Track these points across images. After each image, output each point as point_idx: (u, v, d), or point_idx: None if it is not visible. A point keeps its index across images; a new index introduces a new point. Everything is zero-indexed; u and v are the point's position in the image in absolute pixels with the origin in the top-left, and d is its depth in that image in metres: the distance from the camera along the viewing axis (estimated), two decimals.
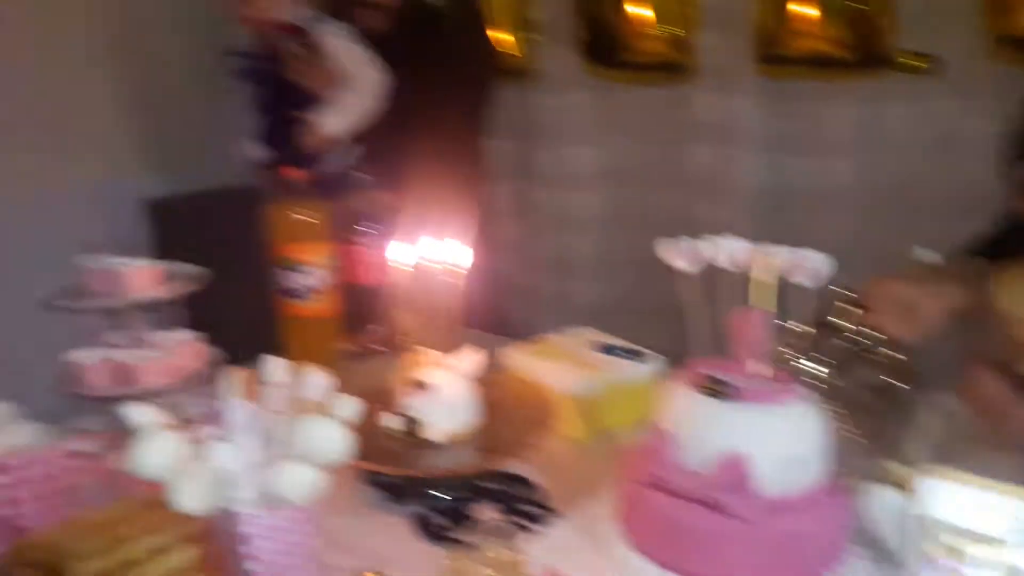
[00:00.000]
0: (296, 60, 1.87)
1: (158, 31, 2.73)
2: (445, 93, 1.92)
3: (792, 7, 1.75)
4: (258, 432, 0.85)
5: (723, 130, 1.94)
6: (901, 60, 1.72)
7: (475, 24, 2.12)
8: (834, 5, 1.71)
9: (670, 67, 1.97)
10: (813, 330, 1.04)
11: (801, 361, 1.02)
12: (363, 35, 1.92)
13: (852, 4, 1.71)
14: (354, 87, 1.86)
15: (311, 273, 1.50)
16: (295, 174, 1.85)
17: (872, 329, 1.09)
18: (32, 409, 1.15)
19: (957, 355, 1.15)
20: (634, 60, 1.97)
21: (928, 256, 1.15)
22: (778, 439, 0.88)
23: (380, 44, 1.91)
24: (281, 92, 1.91)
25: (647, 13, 1.95)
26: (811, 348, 1.03)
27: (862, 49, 1.72)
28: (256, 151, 2.02)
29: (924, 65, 1.71)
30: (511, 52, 2.28)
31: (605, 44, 1.97)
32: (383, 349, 1.53)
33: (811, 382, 1.01)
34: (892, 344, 1.04)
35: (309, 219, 1.50)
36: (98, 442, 1.22)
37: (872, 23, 1.70)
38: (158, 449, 0.80)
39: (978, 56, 1.65)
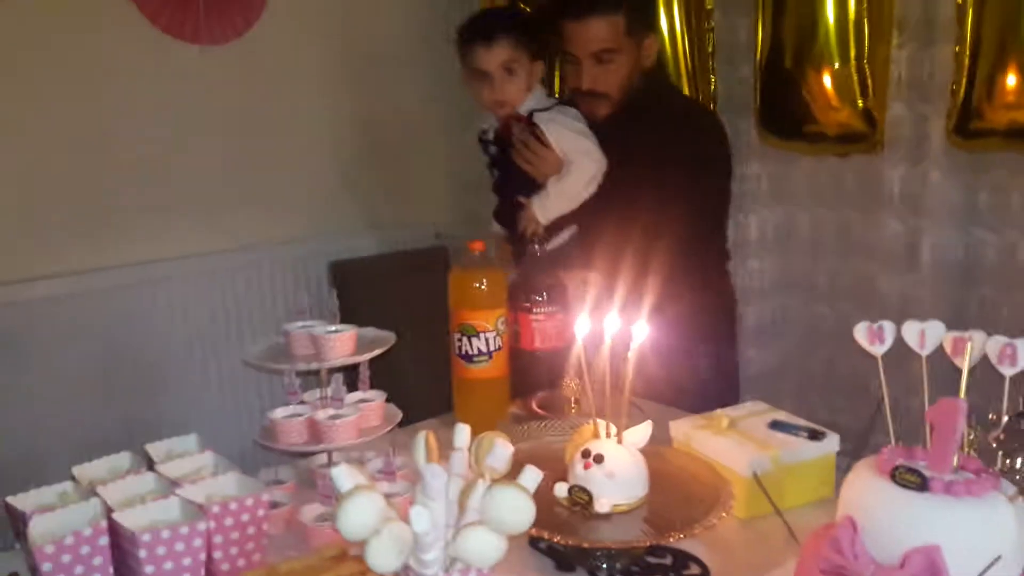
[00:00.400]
0: (522, 147, 1.89)
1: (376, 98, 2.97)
2: (674, 184, 1.80)
3: (991, 77, 1.70)
4: (449, 497, 0.90)
5: (913, 201, 1.88)
6: None
7: (704, 114, 2.06)
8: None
9: (855, 137, 1.94)
10: (1020, 421, 0.98)
11: (1002, 453, 0.96)
12: (588, 120, 1.91)
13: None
14: (570, 174, 1.86)
15: (485, 338, 1.57)
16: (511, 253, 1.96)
17: None
18: (233, 459, 1.26)
19: None
20: (816, 131, 1.96)
21: None
22: (974, 534, 0.84)
23: (604, 129, 1.89)
24: (510, 176, 1.95)
25: (827, 84, 1.93)
26: (1015, 440, 0.97)
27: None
28: (496, 227, 2.07)
29: None
30: None
31: (785, 115, 1.96)
32: (549, 415, 1.56)
33: (1011, 476, 0.95)
34: None
35: (486, 286, 1.57)
36: (290, 494, 1.32)
37: None
38: (359, 510, 0.86)
39: None
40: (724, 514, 1.10)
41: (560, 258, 1.84)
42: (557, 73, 2.34)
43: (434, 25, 2.98)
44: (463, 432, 0.97)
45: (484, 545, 0.86)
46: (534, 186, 1.90)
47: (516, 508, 0.85)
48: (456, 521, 0.91)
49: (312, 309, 1.40)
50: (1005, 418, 0.90)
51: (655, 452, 1.25)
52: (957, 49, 1.79)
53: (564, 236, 1.91)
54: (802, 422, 1.33)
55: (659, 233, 1.77)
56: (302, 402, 1.33)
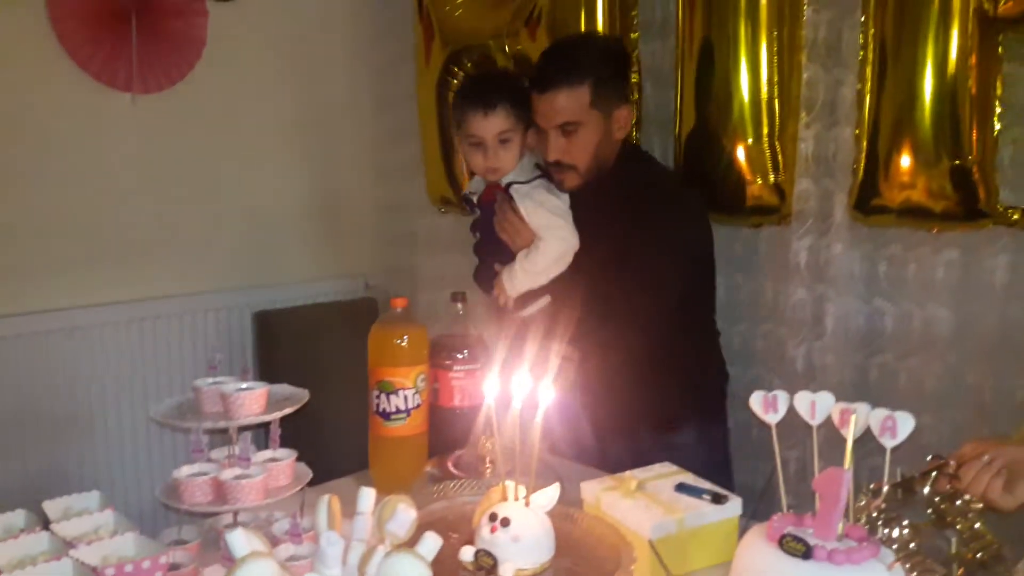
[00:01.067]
0: (502, 216, 1.87)
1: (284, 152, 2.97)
2: (648, 262, 1.77)
3: (887, 158, 1.82)
4: (349, 562, 0.89)
5: (818, 271, 1.98)
6: (1001, 212, 1.76)
7: (679, 188, 1.98)
8: (932, 158, 1.77)
9: (767, 209, 2.04)
10: (898, 491, 1.03)
11: (881, 522, 1.01)
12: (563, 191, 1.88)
13: (950, 160, 1.76)
14: (536, 250, 1.83)
15: (403, 396, 1.57)
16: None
17: (967, 493, 1.08)
18: (139, 518, 1.23)
19: None
20: (732, 202, 2.05)
21: None
22: None
23: (576, 201, 1.87)
24: (489, 240, 1.94)
25: (741, 158, 2.03)
26: (894, 510, 1.02)
27: (962, 201, 1.76)
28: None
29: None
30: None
31: (704, 187, 2.03)
32: (465, 474, 1.56)
33: (892, 544, 0.99)
34: (976, 512, 1.02)
35: (407, 343, 1.58)
36: (191, 555, 1.29)
37: (972, 176, 1.75)
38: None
39: None
40: None
41: (535, 326, 1.84)
42: None
43: (367, 81, 3.04)
44: (367, 496, 0.98)
45: None
46: (510, 254, 1.89)
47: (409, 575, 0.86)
48: None
49: (233, 361, 1.39)
50: (885, 488, 0.95)
51: (565, 514, 1.26)
52: (857, 132, 1.91)
53: (537, 305, 1.89)
54: (707, 485, 1.36)
55: (634, 310, 1.76)
56: (209, 460, 1.31)
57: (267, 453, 1.35)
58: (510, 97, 1.85)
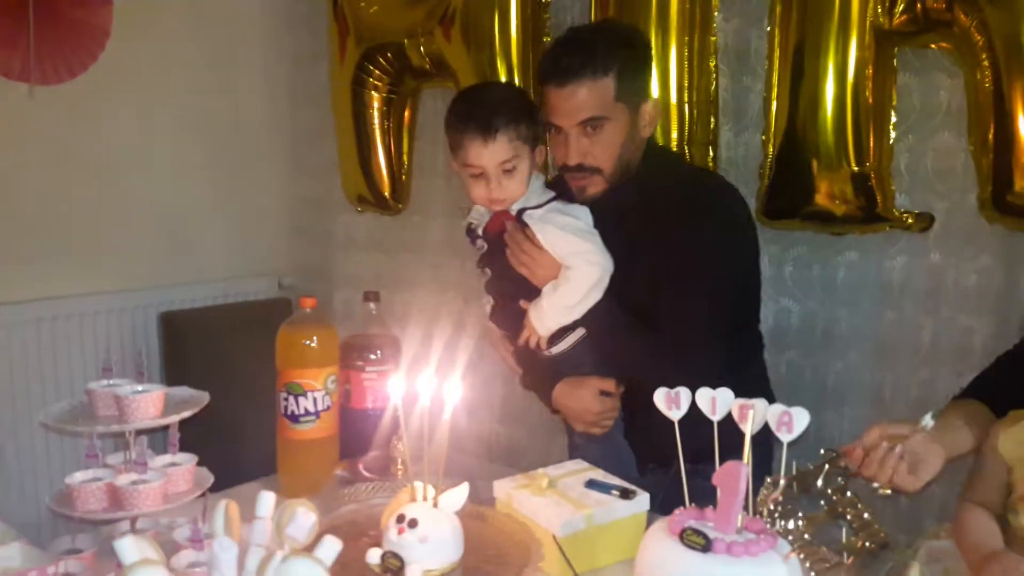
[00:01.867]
0: (516, 248, 1.62)
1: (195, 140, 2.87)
2: (693, 273, 1.55)
3: (796, 163, 1.89)
4: (241, 567, 0.87)
5: None
6: (897, 216, 1.83)
7: (720, 187, 1.68)
8: (834, 164, 1.84)
9: None
10: (794, 484, 1.06)
11: (778, 515, 1.04)
12: (584, 202, 1.64)
13: (852, 167, 1.83)
14: (568, 281, 1.59)
15: (313, 397, 1.54)
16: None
17: (870, 479, 1.12)
18: (27, 524, 1.18)
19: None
20: None
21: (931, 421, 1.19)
22: None
23: (601, 211, 1.64)
24: (503, 276, 1.68)
25: None
26: (790, 502, 1.05)
27: (862, 206, 1.84)
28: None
29: (920, 223, 1.82)
30: None
31: None
32: (376, 477, 1.54)
33: (789, 536, 1.02)
34: (865, 505, 1.07)
35: (316, 344, 1.55)
36: (85, 565, 1.24)
37: (870, 182, 1.83)
38: None
39: (971, 216, 1.76)
40: (535, 573, 1.12)
41: (570, 362, 1.65)
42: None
43: (282, 76, 2.98)
44: (266, 500, 0.95)
45: None
46: (528, 288, 1.64)
47: None
48: None
49: (137, 364, 1.33)
50: (782, 481, 0.98)
51: (475, 513, 1.26)
52: (764, 137, 1.97)
53: (571, 340, 1.65)
54: (616, 481, 1.37)
55: (678, 334, 1.53)
56: (104, 466, 1.26)
57: (166, 458, 1.31)
58: (513, 117, 1.58)
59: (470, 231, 1.72)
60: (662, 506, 1.28)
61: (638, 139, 1.62)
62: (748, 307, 1.70)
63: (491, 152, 1.57)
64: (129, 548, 0.84)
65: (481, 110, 1.60)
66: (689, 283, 1.55)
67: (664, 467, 1.52)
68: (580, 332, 1.63)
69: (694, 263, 1.54)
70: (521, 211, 1.62)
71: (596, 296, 1.60)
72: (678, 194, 1.60)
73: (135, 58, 2.64)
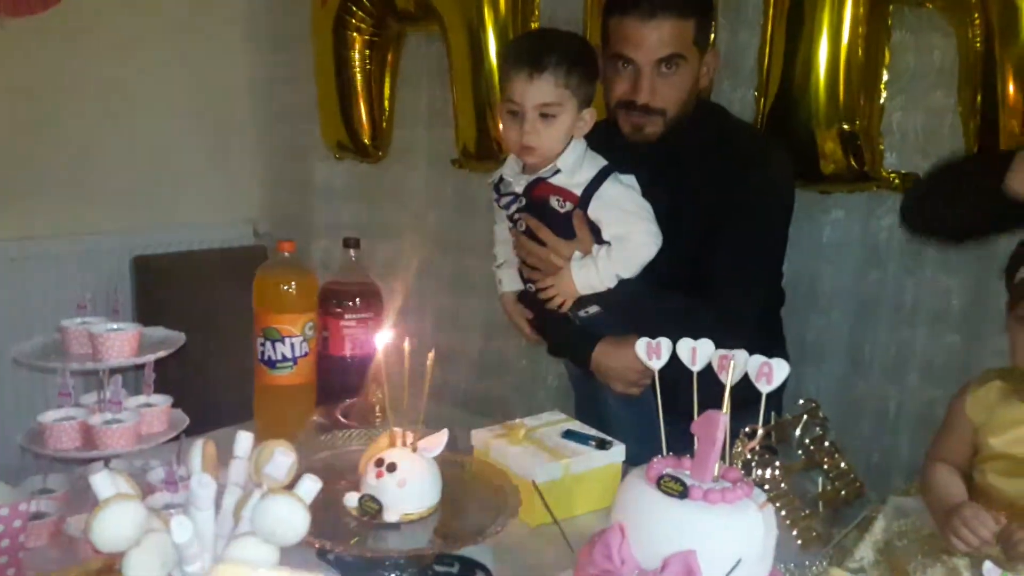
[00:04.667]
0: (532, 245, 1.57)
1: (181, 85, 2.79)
2: (750, 229, 1.55)
3: (786, 120, 1.87)
4: (219, 507, 0.86)
5: None
6: (885, 176, 1.83)
7: (771, 144, 1.72)
8: (823, 122, 1.82)
9: None
10: (772, 434, 1.07)
11: (755, 464, 1.04)
12: (631, 146, 1.60)
13: (842, 125, 1.82)
14: (624, 250, 1.53)
15: (290, 343, 1.52)
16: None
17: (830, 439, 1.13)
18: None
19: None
20: None
21: None
22: (726, 539, 0.90)
23: (652, 161, 1.58)
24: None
25: None
26: (768, 452, 1.06)
27: (849, 165, 1.83)
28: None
29: (907, 183, 1.82)
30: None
31: None
32: (354, 424, 1.53)
33: (765, 484, 1.03)
34: (842, 454, 1.08)
35: (294, 289, 1.53)
36: (58, 504, 1.22)
37: (859, 141, 1.82)
38: (116, 520, 0.80)
39: None
40: (515, 520, 1.12)
41: (603, 323, 1.61)
42: None
43: (261, 17, 2.90)
44: (243, 440, 0.94)
45: (252, 556, 0.83)
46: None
47: (287, 518, 0.83)
48: (230, 533, 0.88)
49: (111, 302, 1.29)
50: (760, 431, 0.98)
51: (453, 460, 1.26)
52: (756, 93, 1.95)
53: (590, 311, 1.61)
54: (593, 432, 1.38)
55: (729, 287, 1.54)
56: (77, 405, 1.24)
57: (141, 398, 1.29)
58: (567, 61, 1.49)
59: (498, 186, 1.62)
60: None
61: (696, 88, 1.60)
62: (781, 261, 1.70)
63: (535, 89, 1.48)
64: (104, 482, 0.83)
65: (537, 44, 1.56)
66: (744, 234, 1.54)
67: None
68: (595, 308, 1.60)
69: (749, 215, 1.53)
70: (586, 195, 1.53)
71: (640, 265, 1.55)
72: (731, 147, 1.59)
73: None
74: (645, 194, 1.56)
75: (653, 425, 1.06)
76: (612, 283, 1.55)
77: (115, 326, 1.23)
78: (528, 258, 1.60)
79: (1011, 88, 1.63)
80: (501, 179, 1.61)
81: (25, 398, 2.41)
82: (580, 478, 1.30)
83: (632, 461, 1.31)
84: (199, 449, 0.93)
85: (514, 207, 1.59)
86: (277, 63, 2.98)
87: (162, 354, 1.25)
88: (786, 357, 0.94)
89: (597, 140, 1.58)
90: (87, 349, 1.21)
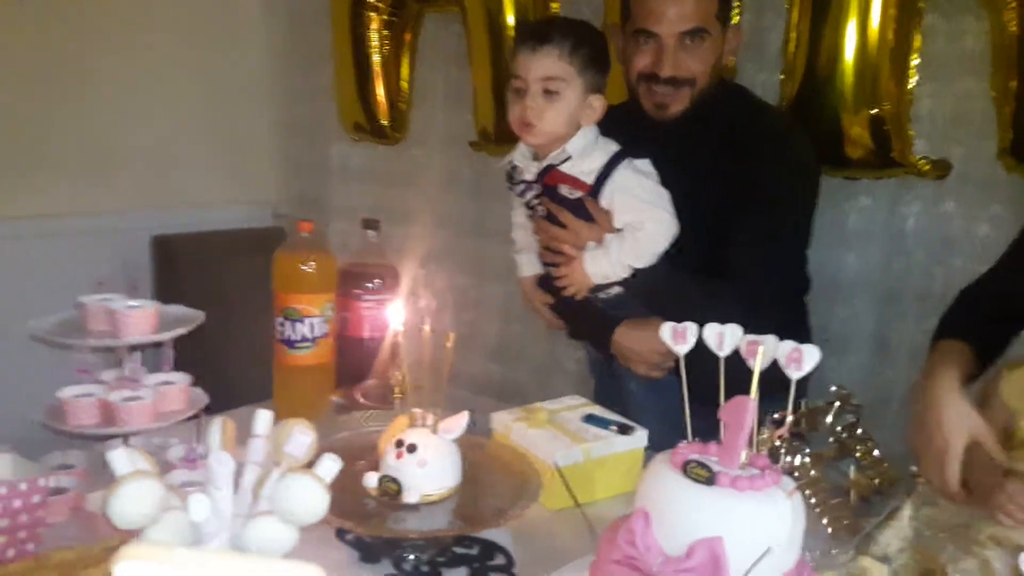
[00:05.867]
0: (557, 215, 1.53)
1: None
2: (779, 213, 1.53)
3: (812, 104, 1.84)
4: (237, 485, 0.85)
5: None
6: (913, 162, 1.79)
7: (794, 123, 1.71)
8: (851, 106, 1.79)
9: None
10: (802, 421, 1.04)
11: (784, 451, 1.02)
12: (652, 121, 1.57)
13: (870, 110, 1.78)
14: (638, 241, 1.50)
15: (310, 324, 1.51)
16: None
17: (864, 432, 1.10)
18: (16, 441, 1.15)
19: None
20: None
21: None
22: (753, 527, 0.88)
23: (674, 138, 1.57)
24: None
25: None
26: (797, 439, 1.04)
27: (877, 150, 1.79)
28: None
29: (936, 170, 1.78)
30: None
31: None
32: (374, 405, 1.53)
33: (794, 472, 1.01)
34: (875, 442, 1.05)
35: (313, 269, 1.52)
36: (77, 480, 1.22)
37: (886, 126, 1.78)
38: (134, 497, 0.80)
39: (988, 164, 1.72)
40: (535, 503, 1.11)
41: (623, 305, 1.58)
42: None
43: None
44: (263, 419, 0.93)
45: (271, 536, 0.82)
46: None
47: (307, 498, 0.82)
48: (249, 511, 0.87)
49: (130, 279, 1.29)
50: (789, 418, 0.96)
51: (474, 443, 1.25)
52: (782, 77, 1.91)
53: (611, 292, 1.58)
54: (614, 417, 1.36)
55: (751, 268, 1.51)
56: (97, 382, 1.23)
57: (160, 376, 1.28)
58: (572, 37, 1.46)
59: (511, 174, 1.59)
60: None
61: (719, 64, 1.58)
62: (806, 248, 1.66)
63: (537, 60, 1.45)
64: (122, 459, 0.82)
65: (544, 21, 1.57)
66: (767, 216, 1.51)
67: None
68: (619, 289, 1.57)
69: (773, 196, 1.51)
70: (598, 180, 1.49)
71: (658, 252, 1.51)
72: (755, 127, 1.57)
73: None
74: (666, 174, 1.53)
75: (676, 410, 1.05)
76: (625, 273, 1.52)
77: (134, 303, 1.22)
78: (550, 243, 1.58)
79: None
80: (514, 167, 1.59)
81: (44, 375, 2.40)
82: (601, 463, 1.29)
83: (654, 447, 1.30)
84: (218, 427, 0.92)
85: (530, 194, 1.57)
86: (295, 44, 2.96)
87: (181, 331, 1.24)
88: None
89: (618, 120, 1.56)
90: (106, 326, 1.21)
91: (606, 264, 1.52)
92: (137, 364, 1.22)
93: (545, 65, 1.46)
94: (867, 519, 1.03)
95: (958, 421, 1.10)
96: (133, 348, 1.23)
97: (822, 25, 1.79)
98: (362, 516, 1.08)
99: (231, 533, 0.84)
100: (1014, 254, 1.32)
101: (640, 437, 1.33)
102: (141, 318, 1.20)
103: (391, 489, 1.10)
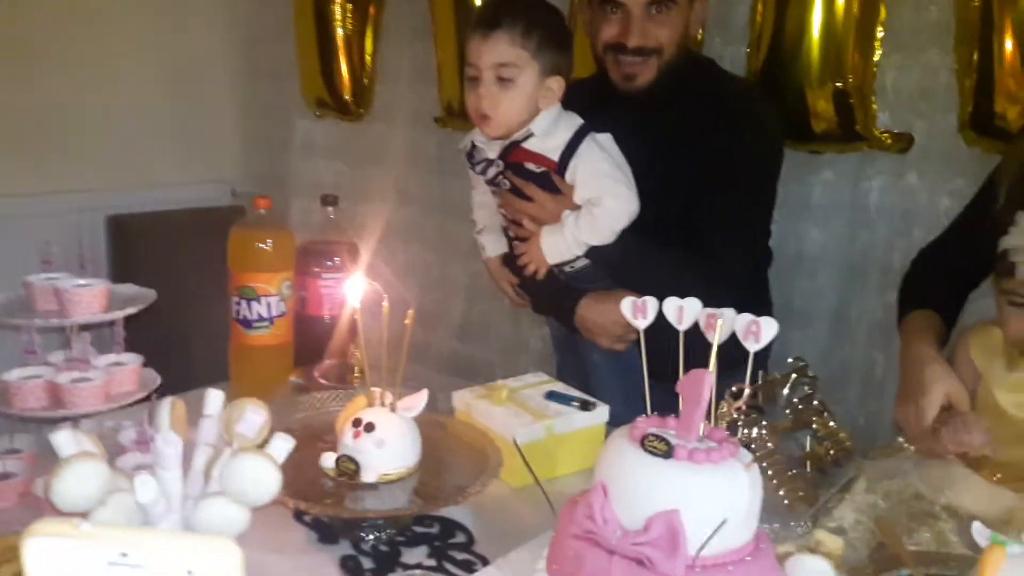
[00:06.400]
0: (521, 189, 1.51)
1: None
2: (744, 184, 1.53)
3: (777, 77, 1.84)
4: (186, 466, 0.83)
5: None
6: (876, 136, 1.80)
7: (760, 97, 1.72)
8: (816, 80, 1.79)
9: None
10: (759, 394, 1.04)
11: (741, 423, 1.02)
12: (621, 93, 1.57)
13: (835, 83, 1.79)
14: (596, 219, 1.47)
15: (267, 303, 1.48)
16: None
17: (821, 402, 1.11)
18: None
19: None
20: None
21: None
22: (710, 499, 0.87)
23: (641, 111, 1.56)
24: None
25: None
26: (755, 411, 1.03)
27: (841, 123, 1.79)
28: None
29: (899, 144, 1.79)
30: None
31: None
32: (332, 384, 1.50)
33: (752, 444, 1.01)
34: (831, 413, 1.06)
35: (270, 247, 1.49)
36: (25, 464, 1.19)
37: (852, 100, 1.78)
38: (77, 479, 0.77)
39: (950, 138, 1.73)
40: (496, 480, 1.10)
41: (586, 278, 1.57)
42: None
43: None
44: (214, 398, 0.91)
45: (222, 517, 0.80)
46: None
47: (258, 477, 0.80)
48: (201, 493, 0.85)
49: (79, 258, 1.25)
50: (747, 391, 0.96)
51: (434, 421, 1.23)
52: (748, 50, 1.91)
53: (581, 261, 1.54)
54: (576, 393, 1.36)
55: (716, 240, 1.51)
56: (45, 364, 1.20)
57: (111, 357, 1.25)
58: (524, 20, 1.42)
59: (471, 154, 1.56)
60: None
61: (686, 35, 1.57)
62: (769, 220, 1.67)
63: (488, 47, 1.42)
64: (66, 442, 0.79)
65: (496, 4, 1.51)
66: (733, 188, 1.51)
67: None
68: (585, 260, 1.54)
69: (739, 167, 1.50)
70: (562, 159, 1.47)
71: (617, 229, 1.49)
72: (720, 99, 1.56)
73: None
74: (634, 145, 1.52)
75: (638, 385, 1.05)
76: (580, 251, 1.50)
77: (83, 282, 1.19)
78: (516, 215, 1.56)
79: (1009, 47, 1.60)
80: (474, 146, 1.55)
81: None
82: (563, 439, 1.28)
83: (617, 422, 1.29)
84: (167, 408, 0.90)
85: (492, 171, 1.54)
86: (257, 19, 2.90)
87: (132, 311, 1.21)
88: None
89: (586, 93, 1.54)
90: (54, 305, 1.17)
91: (560, 240, 1.50)
92: (86, 344, 1.18)
93: (497, 51, 1.42)
94: (823, 491, 1.04)
95: (940, 378, 1.16)
96: (82, 328, 1.19)
97: None
98: (320, 497, 1.07)
99: (182, 515, 0.82)
100: (963, 221, 1.35)
101: (602, 413, 1.32)
102: (90, 297, 1.17)
103: (349, 469, 1.08)
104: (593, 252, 1.52)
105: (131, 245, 2.46)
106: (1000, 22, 1.60)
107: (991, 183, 1.30)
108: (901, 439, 1.16)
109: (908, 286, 1.42)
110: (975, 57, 1.65)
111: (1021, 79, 1.59)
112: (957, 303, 1.35)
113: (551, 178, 1.50)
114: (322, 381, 1.52)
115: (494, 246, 1.70)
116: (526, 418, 1.28)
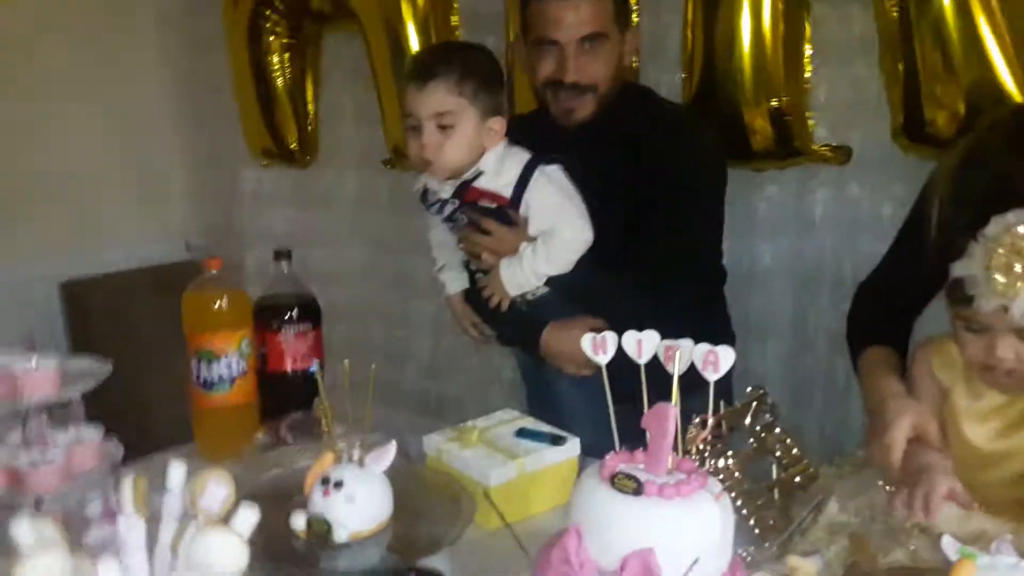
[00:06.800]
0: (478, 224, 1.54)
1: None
2: (688, 207, 1.57)
3: (713, 99, 1.89)
4: (150, 546, 0.81)
5: None
6: (815, 150, 1.84)
7: (698, 120, 1.80)
8: (751, 99, 1.83)
9: None
10: (723, 423, 1.05)
11: (708, 454, 1.03)
12: (562, 127, 1.62)
13: (769, 102, 1.83)
14: (550, 248, 1.51)
15: (227, 362, 1.47)
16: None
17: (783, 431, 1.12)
18: None
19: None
20: None
21: None
22: (683, 534, 0.88)
23: (583, 143, 1.60)
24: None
25: None
26: (721, 442, 1.04)
27: (778, 140, 1.84)
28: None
29: (838, 156, 1.83)
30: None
31: None
32: (301, 440, 1.49)
33: (720, 474, 1.02)
34: (794, 440, 1.07)
35: (224, 307, 1.47)
36: None
37: (788, 116, 1.83)
38: (41, 570, 0.75)
39: (886, 146, 1.78)
40: (470, 526, 1.10)
41: (550, 307, 1.59)
42: None
43: (175, 22, 2.80)
44: (176, 471, 0.89)
45: None
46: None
47: (222, 554, 0.79)
48: (168, 570, 0.83)
49: (25, 338, 1.22)
50: (711, 421, 0.97)
51: (405, 471, 1.22)
52: (684, 76, 1.97)
53: (538, 294, 1.58)
54: (546, 428, 1.36)
55: (664, 266, 1.55)
56: (2, 445, 1.16)
57: (71, 434, 1.22)
58: (459, 69, 1.46)
59: (425, 195, 1.59)
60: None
61: (622, 66, 1.62)
62: (719, 239, 1.70)
63: (425, 97, 1.46)
64: (25, 530, 0.77)
65: (429, 54, 1.61)
66: (678, 213, 1.55)
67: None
68: (544, 288, 1.58)
69: (682, 192, 1.54)
70: (515, 195, 1.51)
71: (573, 258, 1.53)
72: (659, 126, 1.61)
73: (20, 6, 2.44)
74: (577, 179, 1.55)
75: (607, 411, 1.07)
76: (539, 281, 1.54)
77: (32, 363, 1.16)
78: (475, 248, 1.58)
79: (929, 53, 1.65)
80: (426, 188, 1.58)
81: None
82: (536, 476, 1.28)
83: (588, 451, 1.30)
84: (129, 486, 0.88)
85: (449, 208, 1.57)
86: (195, 69, 2.89)
87: (87, 387, 1.19)
88: (732, 336, 0.94)
89: (530, 129, 1.58)
90: (5, 388, 1.14)
91: (520, 274, 1.53)
92: (43, 424, 1.15)
93: (434, 101, 1.46)
94: (796, 512, 1.05)
95: (902, 411, 1.13)
96: (36, 409, 1.16)
97: (716, 22, 1.84)
98: (293, 559, 1.05)
99: None
100: (900, 246, 1.37)
101: (573, 446, 1.32)
102: (41, 378, 1.14)
103: (320, 529, 1.07)
104: (553, 280, 1.55)
105: (87, 311, 2.43)
106: (919, 29, 1.66)
107: (923, 200, 1.30)
108: (880, 482, 1.15)
109: (855, 325, 1.40)
110: (900, 67, 1.70)
111: (946, 85, 1.64)
112: (907, 332, 1.35)
113: (507, 212, 1.52)
114: (288, 437, 1.51)
115: (454, 283, 1.71)
116: (498, 458, 1.28)
